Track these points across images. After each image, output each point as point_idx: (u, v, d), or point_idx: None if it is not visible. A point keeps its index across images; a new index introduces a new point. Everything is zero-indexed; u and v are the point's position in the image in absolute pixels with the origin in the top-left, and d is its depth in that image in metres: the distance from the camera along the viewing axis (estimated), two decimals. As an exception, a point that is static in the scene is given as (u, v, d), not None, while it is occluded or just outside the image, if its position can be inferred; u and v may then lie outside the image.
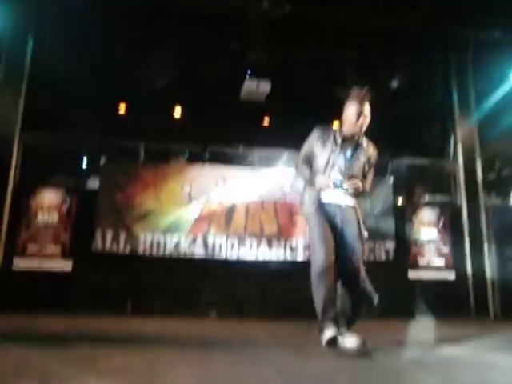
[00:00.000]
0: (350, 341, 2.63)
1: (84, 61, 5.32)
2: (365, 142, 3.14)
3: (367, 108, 3.04)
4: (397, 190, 5.72)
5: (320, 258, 2.84)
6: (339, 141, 3.06)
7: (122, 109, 5.79)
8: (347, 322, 2.85)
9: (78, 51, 5.27)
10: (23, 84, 5.12)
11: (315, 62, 6.01)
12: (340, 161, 3.05)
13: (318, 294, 2.82)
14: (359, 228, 2.98)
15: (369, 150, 3.15)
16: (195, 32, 5.45)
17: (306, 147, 3.17)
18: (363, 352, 2.54)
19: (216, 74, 5.82)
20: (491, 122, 5.74)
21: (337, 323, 2.76)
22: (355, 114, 2.98)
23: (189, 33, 5.45)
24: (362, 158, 3.10)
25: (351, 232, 2.96)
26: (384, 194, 5.50)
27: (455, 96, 5.89)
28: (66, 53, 5.13)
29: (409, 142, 6.42)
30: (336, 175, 3.02)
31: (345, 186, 2.98)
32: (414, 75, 5.94)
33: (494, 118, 5.73)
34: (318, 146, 3.10)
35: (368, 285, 3.10)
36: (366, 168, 3.11)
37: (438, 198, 5.85)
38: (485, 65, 5.81)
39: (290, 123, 6.26)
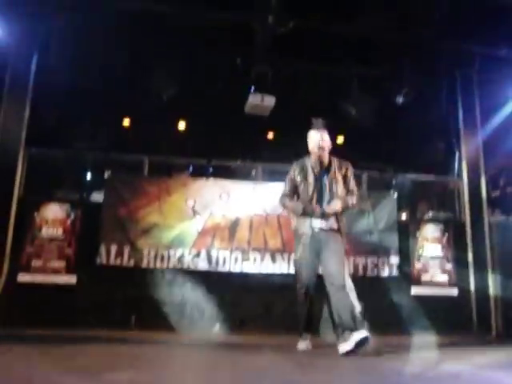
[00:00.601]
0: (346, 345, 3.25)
1: (88, 75, 5.47)
2: (335, 162, 3.73)
3: (325, 134, 3.71)
4: (401, 206, 5.82)
5: (302, 280, 3.58)
6: (317, 169, 3.66)
7: (126, 123, 5.91)
8: (347, 328, 3.33)
9: (82, 66, 5.41)
10: (27, 98, 5.25)
11: (320, 77, 6.15)
12: (322, 187, 3.66)
13: (299, 310, 3.66)
14: (342, 247, 3.58)
15: (342, 166, 3.73)
16: (199, 46, 5.60)
17: (289, 183, 3.75)
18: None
19: (220, 89, 5.95)
20: (496, 139, 5.84)
21: (308, 333, 3.67)
22: (317, 141, 3.64)
23: (193, 47, 5.60)
24: (339, 177, 3.68)
25: (335, 252, 3.53)
26: (388, 210, 5.60)
27: (460, 112, 6.01)
28: (70, 67, 5.29)
29: (413, 158, 6.51)
30: (321, 202, 3.62)
31: (327, 210, 3.57)
32: (420, 91, 6.05)
33: (499, 135, 5.83)
34: (299, 178, 3.69)
35: (353, 295, 3.85)
36: (347, 183, 3.70)
37: (442, 214, 5.95)
38: (491, 81, 5.93)
39: (294, 138, 6.38)
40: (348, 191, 3.70)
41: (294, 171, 3.72)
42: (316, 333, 4.09)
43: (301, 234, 3.61)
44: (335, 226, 3.60)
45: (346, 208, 3.64)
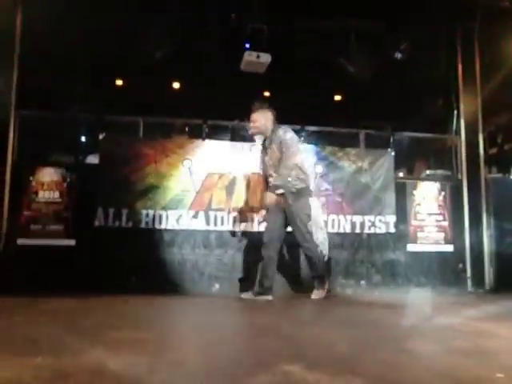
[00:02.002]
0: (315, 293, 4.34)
1: (80, 34, 5.33)
2: (276, 138, 4.31)
3: (253, 115, 4.42)
4: (398, 164, 5.86)
5: (265, 237, 4.37)
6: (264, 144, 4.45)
7: (120, 84, 5.83)
8: (316, 277, 4.39)
9: (72, 24, 5.27)
10: (15, 59, 5.13)
11: (317, 33, 6.04)
12: (267, 159, 4.43)
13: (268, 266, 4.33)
14: (296, 209, 4.25)
15: (276, 136, 4.30)
16: (194, 4, 5.46)
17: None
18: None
19: (215, 46, 5.85)
20: (495, 96, 5.82)
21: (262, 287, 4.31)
22: (251, 121, 4.44)
23: (187, 5, 5.46)
24: (275, 147, 4.29)
25: (290, 214, 4.29)
26: (385, 168, 5.65)
27: (460, 68, 5.95)
28: (60, 26, 5.14)
29: (411, 116, 6.50)
30: (268, 172, 4.43)
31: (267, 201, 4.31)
32: (418, 46, 5.97)
33: (498, 92, 5.80)
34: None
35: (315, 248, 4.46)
36: (282, 152, 4.24)
37: (440, 172, 6.00)
38: (492, 35, 5.84)
39: (291, 96, 6.34)
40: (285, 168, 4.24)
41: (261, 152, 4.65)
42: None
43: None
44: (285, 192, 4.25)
45: (281, 186, 4.26)
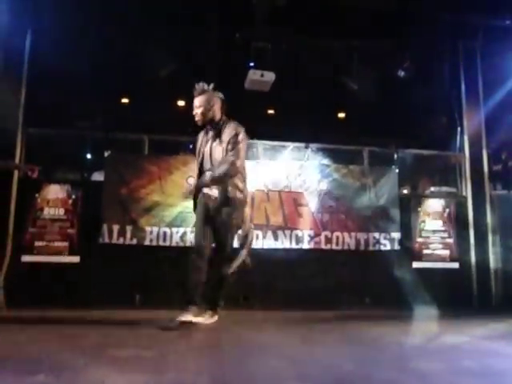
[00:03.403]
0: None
1: (85, 53, 5.42)
2: (225, 127, 3.64)
3: (199, 99, 3.69)
4: (402, 181, 5.87)
5: (195, 243, 3.75)
6: (204, 137, 3.75)
7: (126, 102, 5.89)
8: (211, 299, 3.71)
9: (78, 43, 5.36)
10: (23, 77, 5.23)
11: (321, 51, 6.10)
12: (204, 156, 3.72)
13: (191, 275, 3.60)
14: (227, 214, 3.57)
15: (228, 128, 3.63)
16: (198, 22, 5.53)
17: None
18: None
19: (220, 64, 5.91)
20: (499, 113, 5.84)
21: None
22: (194, 107, 3.70)
23: (192, 23, 5.53)
24: (225, 139, 3.59)
25: (219, 219, 3.58)
26: (389, 185, 5.66)
27: (463, 86, 6.00)
28: (67, 45, 5.23)
29: (415, 133, 6.51)
30: (206, 165, 3.69)
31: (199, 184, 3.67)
32: (422, 64, 6.02)
33: (501, 109, 5.82)
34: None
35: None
36: (230, 147, 3.56)
37: (444, 189, 6.00)
38: (494, 53, 5.89)
39: (295, 114, 6.38)
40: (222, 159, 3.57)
41: (196, 141, 3.84)
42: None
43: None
44: (217, 195, 3.60)
45: (213, 181, 3.57)
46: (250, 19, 5.49)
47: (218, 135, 3.62)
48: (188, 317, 3.40)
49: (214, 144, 3.62)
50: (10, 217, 4.93)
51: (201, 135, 3.79)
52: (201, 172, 3.69)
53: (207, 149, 3.66)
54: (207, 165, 3.66)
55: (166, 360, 2.28)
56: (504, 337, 3.28)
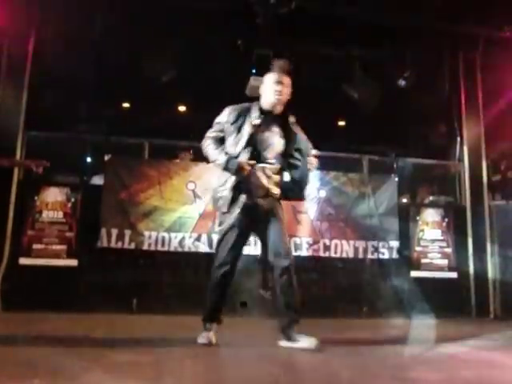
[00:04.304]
0: (306, 342, 2.81)
1: (87, 58, 5.44)
2: (287, 115, 3.14)
3: (287, 78, 3.09)
4: (401, 190, 5.87)
5: (223, 257, 2.98)
6: (260, 121, 2.98)
7: (126, 106, 5.90)
8: (294, 317, 2.95)
9: (80, 48, 5.38)
10: (25, 81, 5.23)
11: (322, 59, 6.12)
12: (268, 139, 3.01)
13: (213, 286, 3.02)
14: (282, 215, 3.08)
15: (291, 120, 3.13)
16: (200, 28, 5.56)
17: (216, 126, 3.12)
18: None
19: (221, 71, 5.93)
20: (498, 123, 5.86)
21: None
22: (273, 82, 3.04)
23: (193, 30, 5.56)
24: (290, 130, 3.08)
25: (278, 224, 3.01)
26: (388, 194, 5.66)
27: (462, 96, 6.03)
28: (69, 49, 5.24)
29: (414, 142, 6.53)
30: (266, 156, 2.98)
31: (271, 169, 2.99)
32: (422, 73, 6.04)
33: (501, 120, 5.85)
34: (232, 128, 3.02)
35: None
36: (299, 141, 3.07)
37: (443, 198, 6.01)
38: (494, 64, 5.92)
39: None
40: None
41: (228, 116, 3.08)
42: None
43: (225, 198, 3.00)
44: (277, 192, 3.05)
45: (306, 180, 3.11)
46: (253, 27, 5.52)
47: (281, 127, 3.08)
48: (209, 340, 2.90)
49: (274, 134, 3.05)
50: (8, 219, 4.92)
51: (235, 113, 3.08)
52: (252, 157, 2.96)
53: (265, 137, 3.01)
54: (268, 153, 3.00)
55: (163, 365, 2.27)
56: (502, 347, 3.26)
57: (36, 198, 5.04)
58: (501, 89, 5.97)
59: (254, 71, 5.61)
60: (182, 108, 6.56)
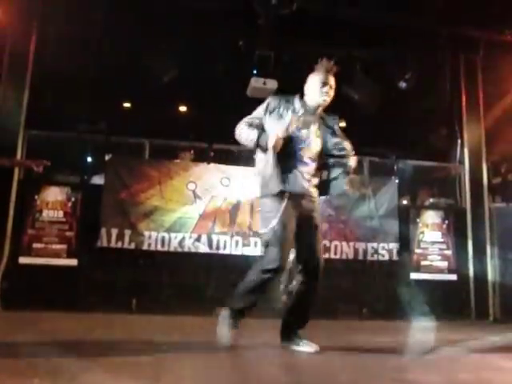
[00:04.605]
0: (307, 347, 2.79)
1: (89, 57, 5.44)
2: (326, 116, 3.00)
3: (333, 79, 2.95)
4: (402, 192, 5.87)
5: (276, 259, 2.73)
6: (302, 118, 2.87)
7: (127, 106, 5.91)
8: (302, 322, 2.93)
9: (82, 47, 5.39)
10: (27, 80, 5.24)
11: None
12: (307, 137, 2.88)
13: (253, 287, 2.81)
14: (318, 217, 2.95)
15: (331, 119, 3.02)
16: (201, 28, 5.56)
17: (253, 114, 2.95)
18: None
19: (222, 71, 5.94)
20: (499, 126, 5.87)
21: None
22: (320, 83, 2.90)
23: (194, 30, 5.57)
24: (327, 134, 2.95)
25: (314, 230, 2.91)
26: (389, 195, 5.66)
27: (463, 98, 6.03)
28: (70, 49, 5.25)
29: (415, 144, 6.53)
30: (303, 155, 2.86)
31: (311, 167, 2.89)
32: (423, 76, 6.04)
33: (501, 122, 5.85)
34: (272, 117, 2.87)
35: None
36: (338, 140, 2.99)
37: (443, 200, 6.01)
38: (495, 67, 5.93)
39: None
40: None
41: (268, 104, 2.94)
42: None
43: (272, 175, 2.79)
44: (315, 195, 2.96)
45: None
46: (254, 27, 5.52)
47: (320, 127, 2.96)
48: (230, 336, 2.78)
49: (312, 133, 2.90)
50: (8, 218, 4.92)
51: (276, 102, 2.94)
52: (287, 153, 2.81)
53: (303, 135, 2.87)
54: (306, 153, 2.87)
55: (162, 366, 2.27)
56: (501, 350, 3.26)
57: (36, 197, 5.05)
58: (502, 91, 5.98)
59: (254, 72, 5.62)
60: (182, 108, 6.56)
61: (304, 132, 2.88)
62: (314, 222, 2.92)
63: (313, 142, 2.91)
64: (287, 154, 2.81)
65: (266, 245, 2.86)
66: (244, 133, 2.90)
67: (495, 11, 5.30)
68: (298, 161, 2.87)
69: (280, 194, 2.78)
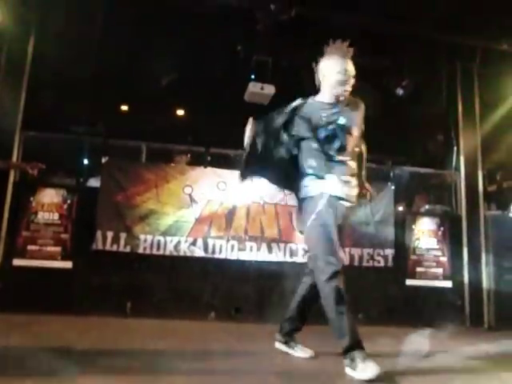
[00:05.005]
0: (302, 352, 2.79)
1: (86, 59, 5.44)
2: (352, 102, 2.77)
3: (351, 64, 2.74)
4: (398, 198, 5.88)
5: (335, 263, 2.54)
6: (328, 113, 2.65)
7: (125, 109, 5.91)
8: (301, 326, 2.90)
9: (80, 50, 5.38)
10: (24, 81, 5.23)
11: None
12: (337, 134, 2.63)
13: (343, 312, 2.51)
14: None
15: (358, 108, 2.77)
16: (200, 33, 5.58)
17: (279, 119, 2.75)
18: None
19: (220, 76, 5.95)
20: (495, 134, 5.90)
21: None
22: (337, 72, 2.67)
23: (193, 34, 5.58)
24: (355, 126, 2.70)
25: (342, 237, 2.80)
26: (385, 202, 5.67)
27: (460, 105, 6.06)
28: (68, 51, 5.25)
29: (411, 151, 6.56)
30: (335, 155, 2.62)
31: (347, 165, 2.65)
32: (420, 83, 6.08)
33: (497, 130, 5.89)
34: (300, 118, 2.69)
35: None
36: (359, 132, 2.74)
37: (439, 207, 6.03)
38: (491, 75, 5.97)
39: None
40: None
41: (298, 108, 2.72)
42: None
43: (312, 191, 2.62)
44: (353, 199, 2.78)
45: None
46: (253, 33, 5.54)
47: (347, 116, 2.74)
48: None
49: (340, 129, 2.69)
50: (3, 220, 4.89)
51: (314, 105, 2.73)
52: (326, 154, 2.65)
53: (329, 131, 2.67)
54: (339, 151, 2.67)
55: (156, 370, 2.26)
56: (496, 357, 3.27)
57: (32, 198, 5.02)
58: (497, 100, 6.02)
59: (252, 77, 5.64)
60: (180, 112, 6.57)
61: (330, 129, 2.63)
62: (343, 229, 2.76)
63: (343, 138, 2.64)
64: (318, 157, 2.63)
65: (317, 249, 2.61)
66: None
67: (492, 20, 5.35)
68: (331, 162, 2.64)
69: (320, 196, 2.60)
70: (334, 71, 2.70)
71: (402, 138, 6.59)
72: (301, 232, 2.70)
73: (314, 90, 6.37)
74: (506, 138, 5.99)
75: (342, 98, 2.71)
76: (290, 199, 5.53)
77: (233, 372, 2.39)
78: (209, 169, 5.50)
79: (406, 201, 6.47)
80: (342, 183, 2.65)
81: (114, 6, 5.24)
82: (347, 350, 2.40)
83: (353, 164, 2.70)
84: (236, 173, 5.48)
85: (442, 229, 5.75)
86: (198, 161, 5.65)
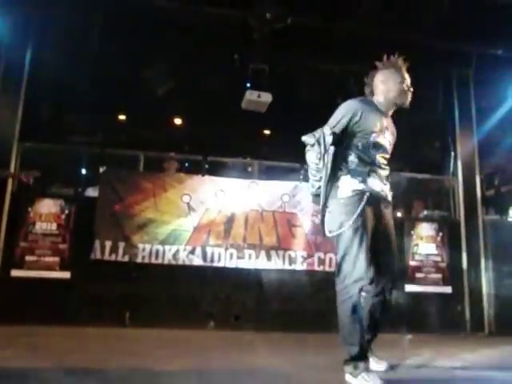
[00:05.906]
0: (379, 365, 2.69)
1: (84, 69, 5.47)
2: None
3: (408, 76, 2.85)
4: (396, 204, 5.87)
5: (363, 271, 2.41)
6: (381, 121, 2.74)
7: (122, 118, 5.93)
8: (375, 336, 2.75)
9: (77, 60, 5.42)
10: (21, 92, 5.26)
11: (317, 74, 6.18)
12: (385, 141, 2.75)
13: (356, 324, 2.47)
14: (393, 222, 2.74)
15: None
16: (196, 42, 5.62)
17: (342, 120, 2.74)
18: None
19: (217, 84, 5.98)
20: (492, 139, 5.92)
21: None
22: (401, 82, 2.81)
23: (190, 43, 5.61)
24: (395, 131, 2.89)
25: (391, 232, 2.71)
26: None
27: (456, 111, 6.09)
28: (65, 61, 5.28)
29: (409, 156, 6.57)
30: (380, 160, 2.70)
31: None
32: (416, 89, 6.09)
33: (494, 135, 5.91)
34: (363, 119, 2.69)
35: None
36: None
37: (437, 212, 6.03)
38: (487, 81, 6.00)
39: (291, 135, 6.43)
40: None
41: (356, 107, 2.75)
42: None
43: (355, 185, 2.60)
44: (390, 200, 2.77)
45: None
46: (249, 41, 5.58)
47: (391, 123, 2.95)
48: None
49: (387, 138, 2.82)
50: (1, 230, 4.89)
51: (364, 109, 2.76)
52: (369, 156, 2.70)
53: (380, 138, 2.75)
54: (382, 157, 2.76)
55: (155, 380, 2.25)
56: (496, 363, 3.26)
57: (30, 209, 5.02)
58: (494, 105, 6.04)
59: (248, 85, 5.67)
60: (177, 121, 6.59)
61: (381, 137, 2.74)
62: (390, 232, 2.70)
63: (388, 147, 2.79)
64: (365, 161, 2.66)
65: (343, 256, 2.50)
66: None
67: (488, 25, 5.39)
68: (377, 167, 2.69)
69: (359, 194, 2.57)
70: (396, 80, 2.86)
71: (399, 144, 6.60)
72: (330, 232, 2.60)
73: (312, 96, 6.42)
74: (503, 143, 6.01)
75: (406, 105, 2.89)
76: (289, 206, 5.54)
77: (232, 381, 2.38)
78: (206, 177, 5.51)
79: (405, 207, 6.48)
80: (382, 185, 2.70)
81: (112, 16, 5.28)
82: (353, 359, 2.41)
83: (388, 170, 2.79)
84: (234, 181, 5.55)
85: (440, 234, 5.75)
86: (195, 169, 5.66)
